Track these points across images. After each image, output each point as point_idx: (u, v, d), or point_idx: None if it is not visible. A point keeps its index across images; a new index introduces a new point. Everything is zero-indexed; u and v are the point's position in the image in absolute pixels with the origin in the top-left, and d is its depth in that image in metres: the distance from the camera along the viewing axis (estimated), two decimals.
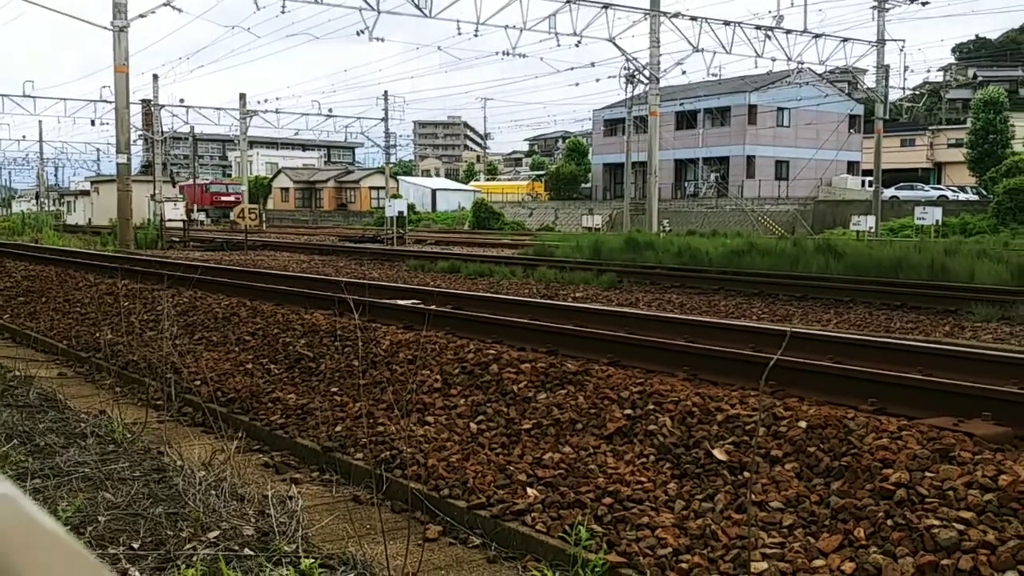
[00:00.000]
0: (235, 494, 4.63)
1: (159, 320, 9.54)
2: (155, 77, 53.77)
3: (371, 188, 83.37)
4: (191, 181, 77.19)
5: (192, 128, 63.73)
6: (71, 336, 10.34)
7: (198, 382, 7.27)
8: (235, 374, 7.63)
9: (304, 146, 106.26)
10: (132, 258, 19.47)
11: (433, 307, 9.76)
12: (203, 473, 4.84)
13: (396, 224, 32.66)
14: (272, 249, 30.44)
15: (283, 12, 28.88)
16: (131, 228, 28.82)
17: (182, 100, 57.04)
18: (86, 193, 76.42)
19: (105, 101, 50.96)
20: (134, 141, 46.17)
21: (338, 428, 5.95)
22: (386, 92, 64.00)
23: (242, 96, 58.13)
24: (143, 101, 55.77)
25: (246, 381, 7.33)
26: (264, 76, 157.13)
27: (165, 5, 28.10)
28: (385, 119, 64.02)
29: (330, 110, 60.50)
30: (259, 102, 61.81)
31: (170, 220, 36.07)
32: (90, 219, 63.18)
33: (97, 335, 9.77)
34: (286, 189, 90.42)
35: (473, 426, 5.67)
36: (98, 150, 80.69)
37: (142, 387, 7.66)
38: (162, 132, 55.77)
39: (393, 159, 73.96)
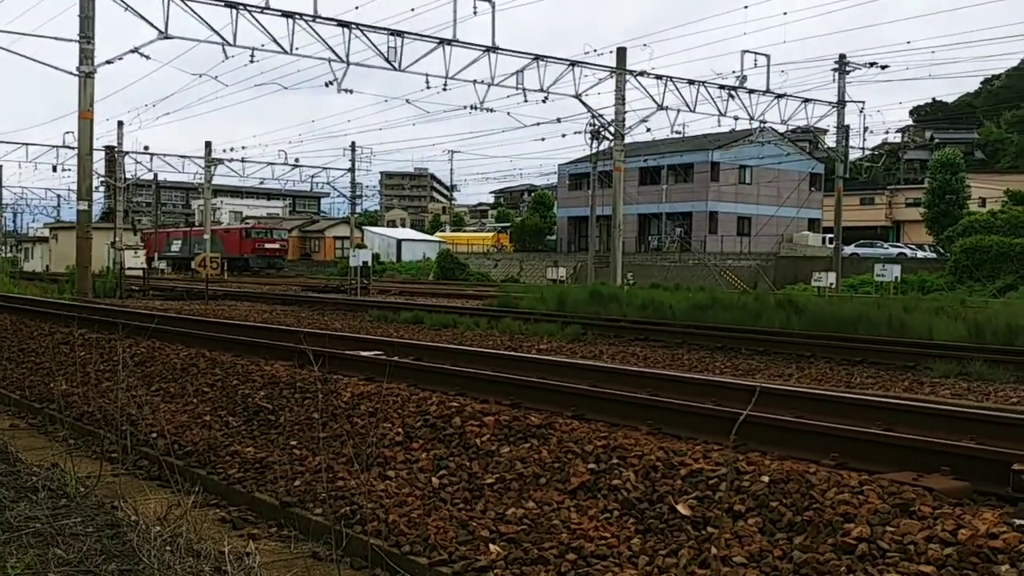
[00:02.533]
0: (191, 550, 4.52)
1: (116, 371, 9.38)
2: (120, 124, 53.60)
3: (336, 238, 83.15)
4: (225, 224, 71.32)
5: (156, 175, 63.38)
6: (24, 386, 10.13)
7: (155, 434, 7.14)
8: (193, 426, 7.51)
9: (269, 195, 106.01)
10: (90, 307, 19.21)
11: (395, 358, 9.70)
12: (158, 528, 4.73)
13: (360, 274, 32.57)
14: (233, 299, 30.19)
15: (252, 61, 29.02)
16: (90, 276, 28.46)
17: (146, 147, 56.93)
18: (44, 240, 75.50)
19: (68, 147, 50.71)
20: (96, 188, 45.89)
21: (297, 482, 5.85)
22: (353, 143, 64.43)
23: (208, 144, 58.12)
24: (106, 147, 55.50)
25: (204, 434, 7.21)
26: (231, 124, 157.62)
27: (132, 52, 28.10)
28: (352, 169, 64.26)
29: (297, 160, 60.74)
30: (225, 150, 61.95)
31: (130, 268, 35.73)
32: (48, 266, 62.44)
33: (51, 385, 9.58)
34: None
35: (435, 480, 5.60)
36: (59, 196, 79.95)
37: (97, 439, 7.50)
38: (125, 179, 55.46)
39: (359, 209, 74.02)
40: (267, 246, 66.27)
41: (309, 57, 29.55)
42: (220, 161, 58.32)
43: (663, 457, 5.22)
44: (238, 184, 75.00)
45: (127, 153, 55.59)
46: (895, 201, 75.28)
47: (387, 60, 29.77)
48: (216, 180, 61.35)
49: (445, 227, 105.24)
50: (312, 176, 63.17)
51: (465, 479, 5.57)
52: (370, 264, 34.63)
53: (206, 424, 7.51)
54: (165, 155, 57.24)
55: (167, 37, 26.78)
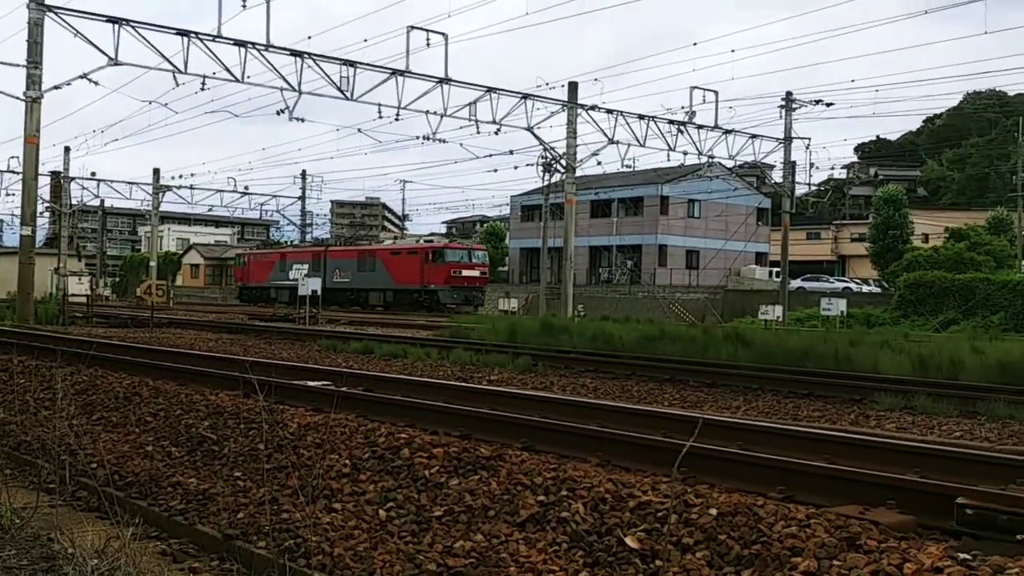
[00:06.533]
0: None
1: (56, 399, 9.16)
2: (67, 149, 52.94)
3: None
4: (391, 243, 56.68)
5: (102, 201, 62.48)
6: None
7: (94, 465, 6.96)
8: (134, 456, 7.34)
9: (218, 222, 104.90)
10: (30, 333, 18.76)
11: (344, 389, 9.59)
12: (96, 561, 4.60)
13: (309, 303, 32.26)
14: (179, 327, 29.72)
15: (203, 89, 28.80)
16: (31, 302, 27.85)
17: (93, 173, 56.21)
18: None
19: (12, 172, 49.80)
20: (41, 213, 45.10)
21: (240, 515, 5.74)
22: (304, 171, 64.14)
23: (156, 171, 57.48)
24: (52, 173, 54.71)
25: (145, 464, 7.05)
26: (181, 151, 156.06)
27: (81, 78, 27.73)
28: (302, 198, 63.93)
29: (246, 187, 60.16)
30: (174, 177, 60.97)
31: (73, 295, 35.06)
32: None
33: None
34: (196, 265, 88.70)
35: (382, 513, 5.52)
36: (1, 221, 78.33)
37: (34, 469, 7.31)
38: (71, 205, 54.61)
39: (309, 238, 73.51)
40: (464, 274, 47.64)
41: (261, 86, 29.42)
42: (168, 188, 57.65)
43: (612, 489, 5.20)
44: (186, 211, 74.02)
45: (73, 179, 54.81)
46: (840, 236, 76.68)
47: (339, 90, 29.73)
48: (164, 207, 60.62)
49: None
50: (262, 204, 62.69)
51: (413, 512, 5.50)
52: (319, 292, 34.27)
53: (148, 454, 7.35)
54: (112, 181, 56.46)
55: (117, 64, 26.48)
